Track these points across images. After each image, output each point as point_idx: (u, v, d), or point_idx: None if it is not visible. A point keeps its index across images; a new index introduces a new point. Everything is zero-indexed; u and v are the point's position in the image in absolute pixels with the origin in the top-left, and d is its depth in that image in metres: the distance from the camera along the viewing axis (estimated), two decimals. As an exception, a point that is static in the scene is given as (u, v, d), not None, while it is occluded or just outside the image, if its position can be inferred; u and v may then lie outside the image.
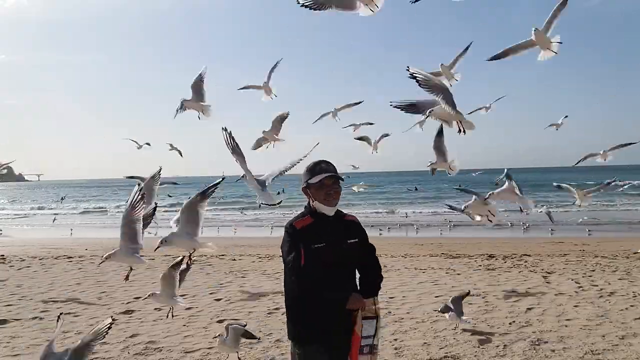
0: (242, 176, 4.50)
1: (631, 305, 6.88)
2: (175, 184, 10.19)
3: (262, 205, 4.67)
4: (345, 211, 3.04)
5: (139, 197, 4.03)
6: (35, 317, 6.92)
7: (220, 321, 6.58)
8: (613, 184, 7.85)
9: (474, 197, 6.04)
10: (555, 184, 7.68)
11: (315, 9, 3.19)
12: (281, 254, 2.85)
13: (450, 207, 8.08)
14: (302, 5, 3.18)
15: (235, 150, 4.26)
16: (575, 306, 6.93)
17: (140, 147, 9.83)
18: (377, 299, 2.86)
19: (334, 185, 2.84)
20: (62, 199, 47.70)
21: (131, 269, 4.73)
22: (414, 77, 3.45)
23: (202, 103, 5.28)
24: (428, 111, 3.68)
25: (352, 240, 2.85)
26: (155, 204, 4.96)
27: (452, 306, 5.79)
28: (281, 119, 5.77)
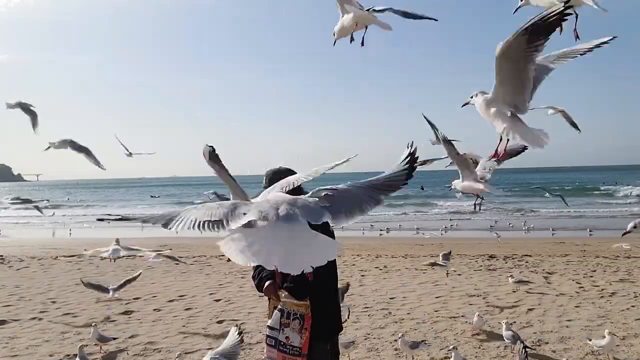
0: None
1: (632, 306, 6.85)
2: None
3: None
4: None
5: None
6: (34, 318, 6.89)
7: (219, 322, 6.56)
8: None
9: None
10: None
11: None
12: None
13: None
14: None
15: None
16: (576, 307, 6.90)
17: (129, 154, 8.41)
18: (285, 293, 2.79)
19: None
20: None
21: None
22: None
23: None
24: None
25: None
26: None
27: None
28: None
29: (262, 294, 3.00)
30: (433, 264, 8.66)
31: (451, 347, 4.63)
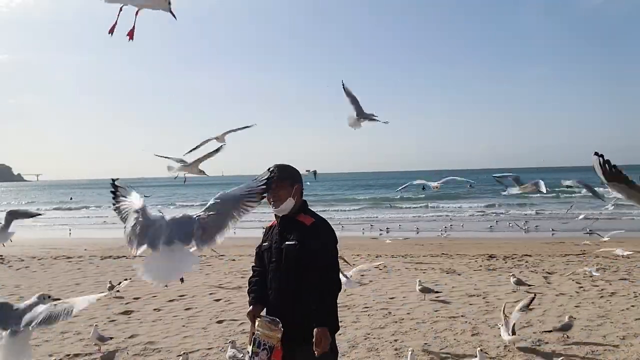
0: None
1: (632, 306, 6.85)
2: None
3: None
4: (317, 211, 3.09)
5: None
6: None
7: (219, 322, 6.56)
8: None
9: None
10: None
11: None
12: None
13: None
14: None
15: None
16: (576, 306, 6.90)
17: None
18: (259, 322, 2.70)
19: (272, 192, 2.87)
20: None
21: None
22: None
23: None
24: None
25: (290, 243, 2.83)
26: None
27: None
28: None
29: None
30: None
31: (478, 348, 4.68)
